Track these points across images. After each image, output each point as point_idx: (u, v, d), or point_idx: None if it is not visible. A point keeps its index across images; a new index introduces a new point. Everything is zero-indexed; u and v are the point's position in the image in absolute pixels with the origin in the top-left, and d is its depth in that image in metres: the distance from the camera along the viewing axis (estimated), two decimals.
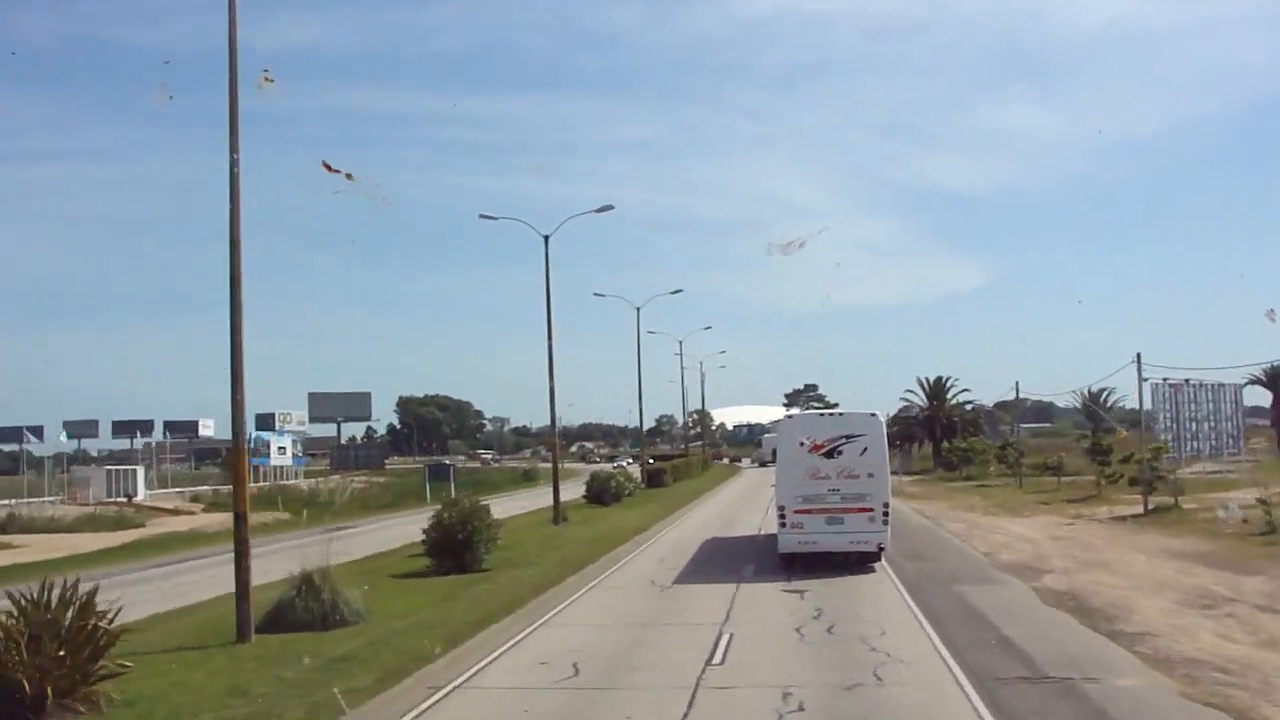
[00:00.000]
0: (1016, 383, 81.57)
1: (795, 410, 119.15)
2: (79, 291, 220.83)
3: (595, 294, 73.01)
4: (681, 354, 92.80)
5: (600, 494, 56.37)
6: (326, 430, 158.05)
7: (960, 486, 64.34)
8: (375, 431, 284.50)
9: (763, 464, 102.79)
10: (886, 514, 24.80)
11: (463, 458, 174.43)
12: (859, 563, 24.83)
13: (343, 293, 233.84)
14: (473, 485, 69.59)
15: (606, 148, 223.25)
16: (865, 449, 24.87)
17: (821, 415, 29.71)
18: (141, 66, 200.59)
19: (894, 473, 31.79)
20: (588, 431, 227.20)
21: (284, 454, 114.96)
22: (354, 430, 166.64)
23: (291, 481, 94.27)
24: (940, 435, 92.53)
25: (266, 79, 15.78)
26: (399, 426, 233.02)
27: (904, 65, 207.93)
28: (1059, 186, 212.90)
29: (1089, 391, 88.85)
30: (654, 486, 70.33)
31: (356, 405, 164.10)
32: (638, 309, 67.43)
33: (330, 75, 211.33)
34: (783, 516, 25.16)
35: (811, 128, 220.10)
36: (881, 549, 25.12)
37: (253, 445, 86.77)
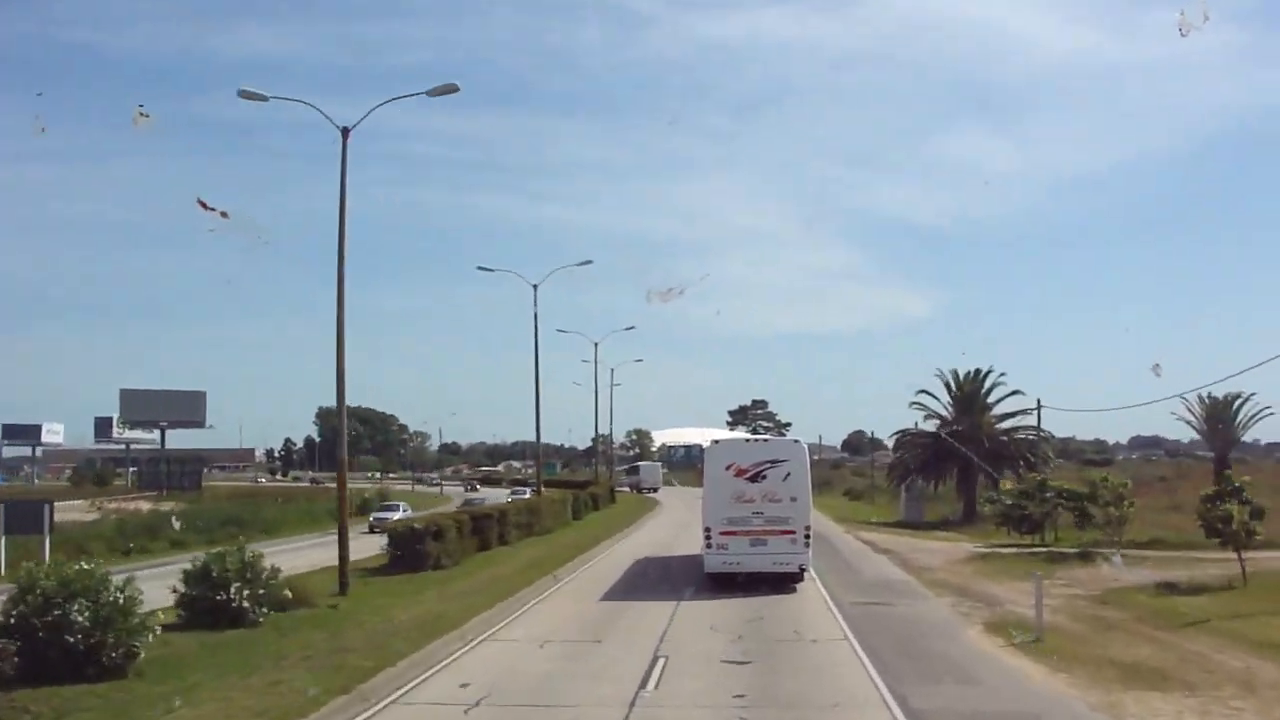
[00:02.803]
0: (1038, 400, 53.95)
1: (741, 430, 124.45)
2: None
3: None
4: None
5: (412, 553, 29.90)
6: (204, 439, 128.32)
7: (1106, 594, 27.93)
8: (294, 444, 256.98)
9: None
10: (808, 536, 25.92)
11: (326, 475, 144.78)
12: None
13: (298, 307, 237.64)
14: (260, 524, 53.60)
15: (571, 166, 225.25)
16: (789, 474, 25.71)
17: (747, 441, 33.71)
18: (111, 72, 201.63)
19: (900, 525, 37.32)
20: (522, 450, 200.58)
21: None
22: (199, 437, 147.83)
23: None
24: (976, 466, 54.78)
25: (141, 114, 12.31)
26: (318, 439, 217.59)
27: (863, 96, 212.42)
28: (1014, 219, 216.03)
29: (1206, 399, 52.31)
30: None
31: (184, 407, 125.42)
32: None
33: (298, 88, 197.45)
34: (709, 538, 26.02)
35: (769, 154, 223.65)
36: (803, 569, 26.18)
37: None
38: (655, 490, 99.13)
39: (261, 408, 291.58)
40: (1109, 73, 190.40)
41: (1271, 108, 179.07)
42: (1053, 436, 57.44)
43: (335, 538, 25.97)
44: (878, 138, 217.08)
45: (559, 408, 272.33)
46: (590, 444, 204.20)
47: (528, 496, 64.44)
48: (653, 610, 22.32)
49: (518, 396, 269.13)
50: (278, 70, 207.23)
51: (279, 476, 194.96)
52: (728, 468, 25.92)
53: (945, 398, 58.74)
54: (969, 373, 58.37)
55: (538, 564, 31.13)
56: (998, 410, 58.21)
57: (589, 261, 53.00)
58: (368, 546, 32.81)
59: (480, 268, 56.23)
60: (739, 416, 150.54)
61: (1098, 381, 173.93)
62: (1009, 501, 41.71)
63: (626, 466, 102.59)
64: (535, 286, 47.41)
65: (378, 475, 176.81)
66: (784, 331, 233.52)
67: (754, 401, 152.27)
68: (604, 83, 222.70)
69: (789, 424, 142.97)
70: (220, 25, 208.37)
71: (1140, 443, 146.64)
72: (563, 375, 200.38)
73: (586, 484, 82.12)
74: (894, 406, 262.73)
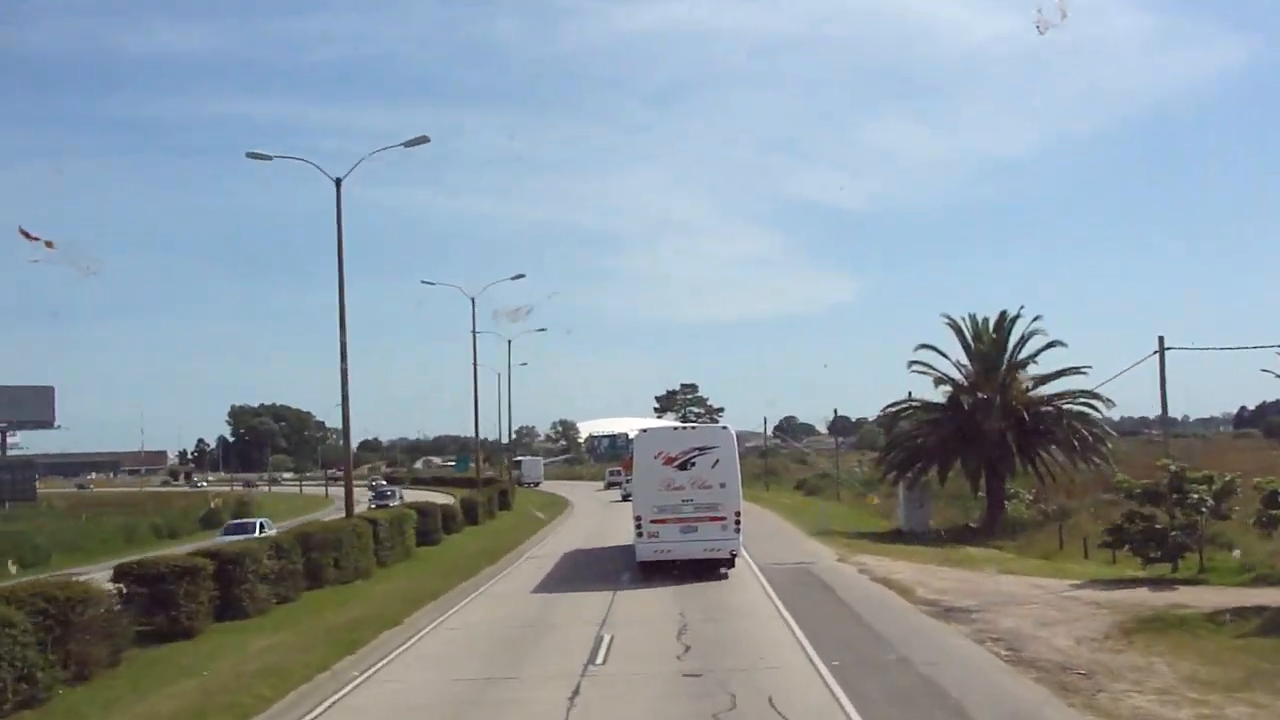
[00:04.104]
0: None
1: (669, 417, 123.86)
2: None
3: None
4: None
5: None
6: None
7: None
8: (207, 445, 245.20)
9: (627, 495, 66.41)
10: (739, 522, 25.80)
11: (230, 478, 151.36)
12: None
13: (207, 304, 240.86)
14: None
15: (489, 160, 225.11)
16: (717, 461, 25.83)
17: (675, 429, 31.87)
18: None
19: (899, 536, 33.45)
20: (442, 445, 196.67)
21: None
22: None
23: None
24: (1003, 445, 38.49)
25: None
26: (231, 439, 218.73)
27: (786, 82, 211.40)
28: (936, 204, 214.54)
29: None
30: None
31: (29, 405, 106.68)
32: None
33: (211, 84, 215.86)
34: (639, 526, 25.98)
35: (692, 142, 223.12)
36: (734, 555, 26.19)
37: None
38: (537, 485, 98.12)
39: (168, 408, 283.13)
40: (1029, 57, 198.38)
41: (1183, 88, 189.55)
42: (1111, 403, 40.82)
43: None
44: (799, 125, 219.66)
45: (485, 400, 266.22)
46: (513, 436, 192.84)
47: (393, 505, 48.83)
48: None
49: (442, 391, 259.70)
50: (190, 68, 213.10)
51: (179, 480, 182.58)
52: (656, 456, 26.19)
53: (957, 354, 42.15)
54: (999, 317, 41.75)
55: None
56: (1033, 370, 41.78)
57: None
58: None
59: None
60: (666, 402, 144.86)
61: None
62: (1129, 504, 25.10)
63: (509, 461, 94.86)
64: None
65: (286, 475, 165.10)
66: (710, 319, 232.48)
67: (683, 385, 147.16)
68: (521, 74, 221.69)
69: (721, 408, 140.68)
70: (129, 23, 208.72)
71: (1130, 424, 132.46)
72: (484, 366, 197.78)
73: (488, 482, 65.55)
74: (827, 390, 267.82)
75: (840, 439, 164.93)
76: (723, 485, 25.69)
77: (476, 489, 57.03)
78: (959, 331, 41.72)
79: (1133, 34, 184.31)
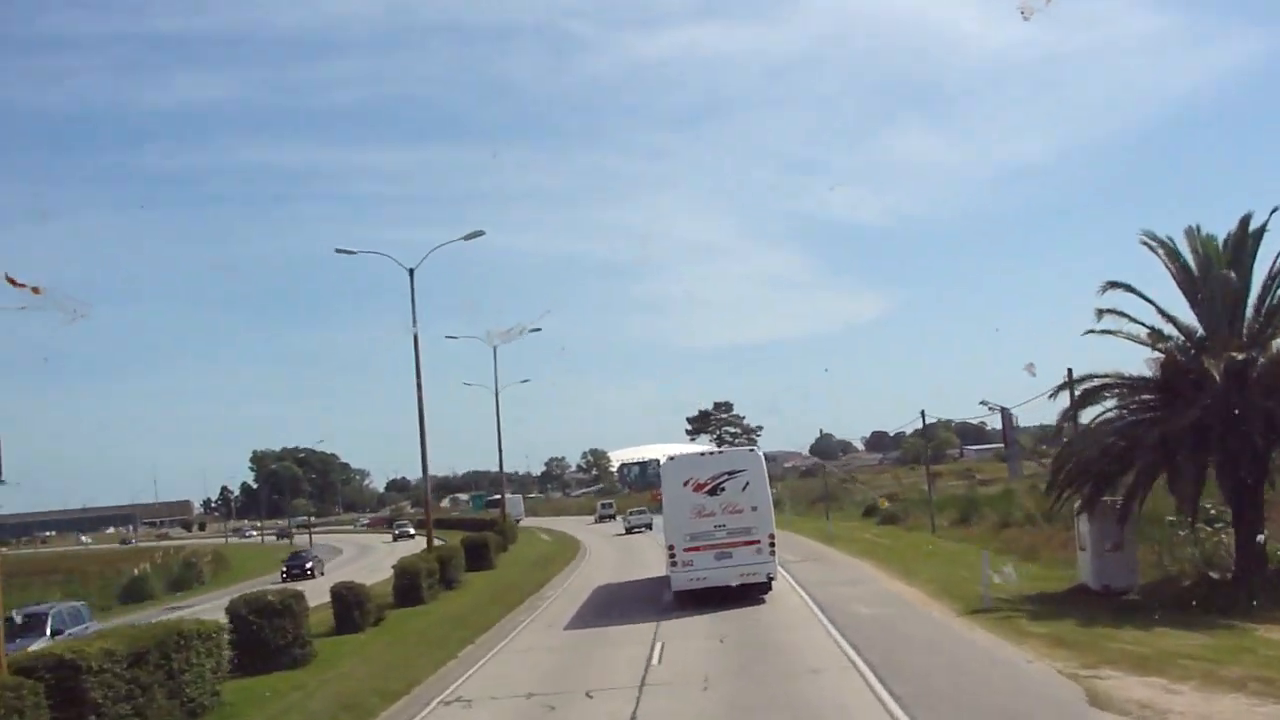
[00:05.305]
0: None
1: (704, 439, 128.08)
2: None
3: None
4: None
5: None
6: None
7: None
8: (231, 492, 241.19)
9: (631, 528, 70.32)
10: (773, 544, 25.78)
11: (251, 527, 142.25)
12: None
13: (230, 350, 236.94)
14: None
15: (511, 195, 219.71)
16: (747, 484, 25.78)
17: (702, 455, 30.12)
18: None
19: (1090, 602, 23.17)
20: (474, 480, 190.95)
21: None
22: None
23: None
24: (1271, 439, 21.72)
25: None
26: (254, 485, 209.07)
27: (802, 101, 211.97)
28: (958, 215, 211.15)
29: None
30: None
31: None
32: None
33: (232, 133, 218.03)
34: (673, 555, 25.83)
35: (711, 166, 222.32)
36: (771, 579, 26.11)
37: None
38: (518, 522, 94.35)
39: (188, 457, 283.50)
40: (1043, 63, 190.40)
41: (1200, 87, 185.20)
42: None
43: None
44: (816, 142, 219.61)
45: (510, 432, 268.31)
46: (544, 469, 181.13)
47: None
48: None
49: (469, 427, 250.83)
50: (210, 118, 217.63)
51: (191, 531, 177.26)
52: (685, 483, 26.00)
53: (1170, 294, 25.53)
54: (1222, 235, 25.12)
55: None
56: None
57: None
58: None
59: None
60: (700, 424, 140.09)
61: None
62: None
63: (478, 501, 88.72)
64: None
65: (307, 519, 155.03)
66: (737, 341, 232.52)
67: (716, 405, 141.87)
68: (540, 108, 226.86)
69: (759, 427, 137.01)
70: (152, 77, 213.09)
71: None
72: (509, 399, 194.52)
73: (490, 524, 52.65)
74: (859, 407, 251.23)
75: (881, 455, 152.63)
76: (754, 508, 25.67)
77: (437, 552, 40.91)
78: (1174, 258, 25.07)
79: (1148, 35, 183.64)
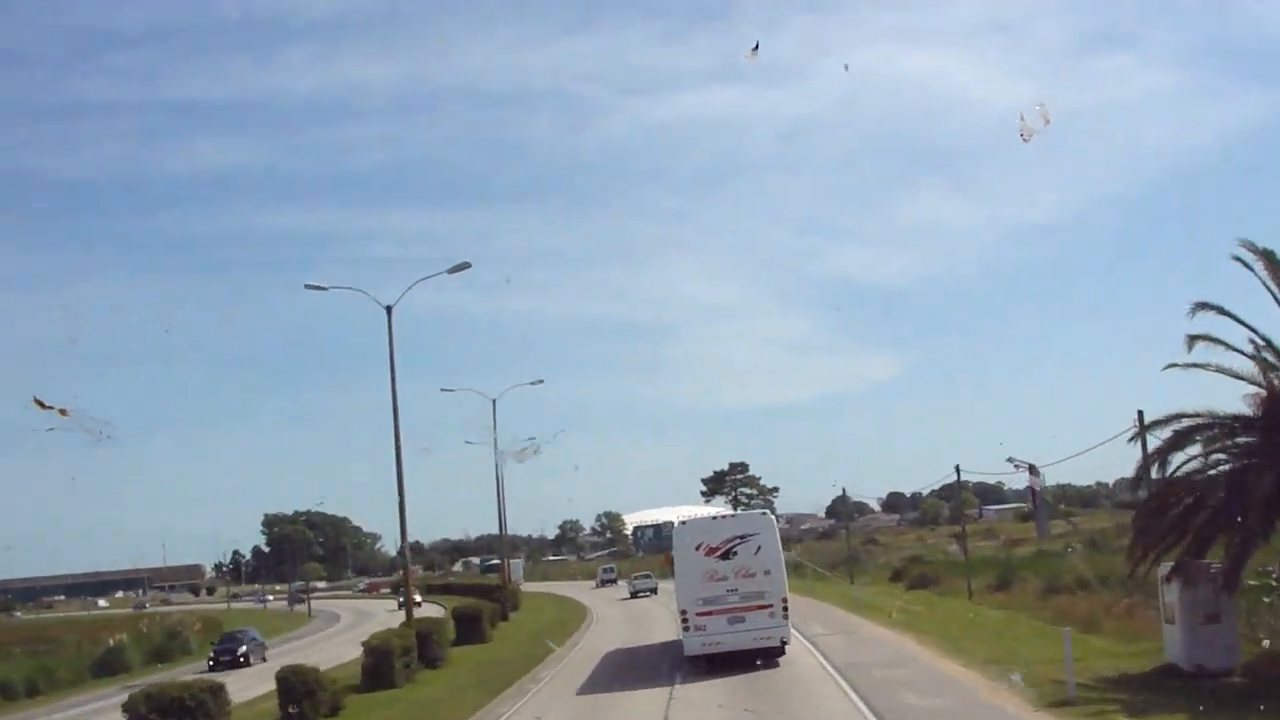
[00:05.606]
0: None
1: (719, 500, 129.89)
2: None
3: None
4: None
5: None
6: None
7: None
8: (242, 556, 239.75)
9: (636, 592, 66.84)
10: (786, 608, 25.58)
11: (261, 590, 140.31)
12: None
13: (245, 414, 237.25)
14: None
15: (525, 257, 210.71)
16: (759, 547, 25.60)
17: (714, 518, 30.88)
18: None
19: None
20: (488, 544, 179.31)
21: None
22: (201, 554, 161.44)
23: None
24: None
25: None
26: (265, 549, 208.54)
27: (816, 163, 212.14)
28: (973, 274, 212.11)
29: None
30: None
31: None
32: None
33: (250, 198, 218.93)
34: (685, 620, 25.75)
35: (726, 228, 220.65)
36: (784, 643, 26.14)
37: None
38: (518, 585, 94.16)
39: (200, 520, 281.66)
40: (1056, 122, 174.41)
41: (1211, 144, 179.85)
42: None
43: None
44: (831, 204, 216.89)
45: (525, 495, 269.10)
46: (558, 532, 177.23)
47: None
48: None
49: (482, 490, 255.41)
50: (229, 183, 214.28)
51: (198, 596, 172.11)
52: (698, 547, 25.85)
53: (1269, 318, 21.38)
54: None
55: None
56: None
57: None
58: None
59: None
60: (715, 485, 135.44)
61: (1093, 427, 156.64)
62: None
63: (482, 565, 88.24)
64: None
65: (306, 585, 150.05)
66: (753, 403, 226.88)
67: (732, 465, 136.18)
68: (555, 172, 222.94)
69: (775, 488, 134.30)
70: (171, 143, 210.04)
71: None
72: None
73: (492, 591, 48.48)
74: (875, 468, 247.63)
75: (899, 516, 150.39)
76: (767, 572, 25.55)
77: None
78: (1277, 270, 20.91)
79: (1162, 92, 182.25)
